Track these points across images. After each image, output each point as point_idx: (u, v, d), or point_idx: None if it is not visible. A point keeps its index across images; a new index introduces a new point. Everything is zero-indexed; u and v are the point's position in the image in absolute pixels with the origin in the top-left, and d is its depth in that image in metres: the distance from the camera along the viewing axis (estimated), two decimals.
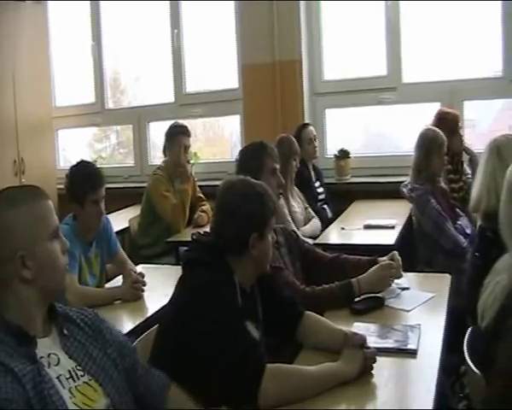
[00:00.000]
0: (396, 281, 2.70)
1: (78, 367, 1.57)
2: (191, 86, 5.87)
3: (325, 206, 4.72)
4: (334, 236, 3.96)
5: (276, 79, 5.12)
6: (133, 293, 2.95)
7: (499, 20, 4.69)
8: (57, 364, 1.53)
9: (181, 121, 4.90)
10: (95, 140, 6.76)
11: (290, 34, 5.07)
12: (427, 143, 3.81)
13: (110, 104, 6.41)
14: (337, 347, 2.00)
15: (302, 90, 5.15)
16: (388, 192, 4.53)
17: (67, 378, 1.53)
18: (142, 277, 3.03)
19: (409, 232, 3.93)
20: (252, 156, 2.86)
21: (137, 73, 6.33)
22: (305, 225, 4.26)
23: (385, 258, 2.71)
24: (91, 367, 1.59)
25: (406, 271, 2.84)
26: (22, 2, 6.01)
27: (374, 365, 1.93)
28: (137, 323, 2.71)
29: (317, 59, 5.27)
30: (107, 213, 5.21)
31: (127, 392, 1.66)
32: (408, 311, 2.45)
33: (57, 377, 1.50)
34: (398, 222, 4.02)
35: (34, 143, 5.97)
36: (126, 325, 2.73)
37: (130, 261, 3.39)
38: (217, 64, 5.81)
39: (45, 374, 1.47)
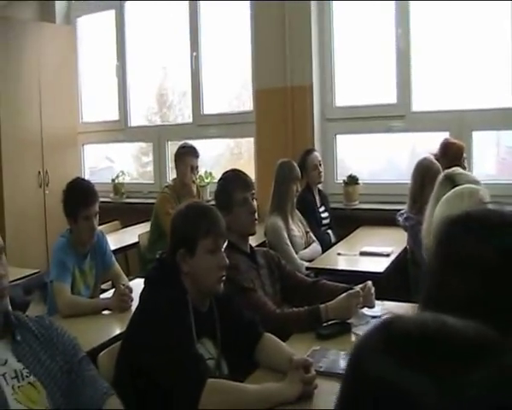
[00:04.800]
0: (369, 309, 2.76)
1: (26, 370, 1.74)
2: (209, 108, 6.04)
3: (329, 231, 4.77)
4: (328, 261, 4.00)
5: (287, 103, 5.22)
6: (120, 305, 3.09)
7: (509, 51, 4.68)
8: (4, 364, 1.71)
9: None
10: (142, 153, 6.93)
11: (302, 60, 5.17)
12: (421, 172, 3.84)
13: (156, 119, 6.65)
14: (287, 369, 2.08)
15: (312, 116, 5.23)
16: (394, 219, 4.54)
17: (12, 378, 1.70)
18: (130, 291, 3.16)
19: (404, 260, 3.96)
20: (220, 192, 2.89)
21: (184, 89, 6.37)
22: (305, 249, 4.33)
23: (359, 286, 2.77)
24: (38, 371, 1.76)
25: (383, 299, 2.89)
26: (52, 24, 6.34)
27: (320, 388, 2.00)
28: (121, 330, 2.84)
29: (328, 85, 5.35)
30: (126, 227, 5.49)
31: (71, 396, 1.79)
32: None
33: (2, 375, 1.69)
34: (396, 250, 4.05)
35: (59, 157, 6.25)
36: (112, 330, 2.90)
37: (124, 275, 3.54)
38: (234, 87, 5.98)
39: None
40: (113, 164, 6.99)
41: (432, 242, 1.73)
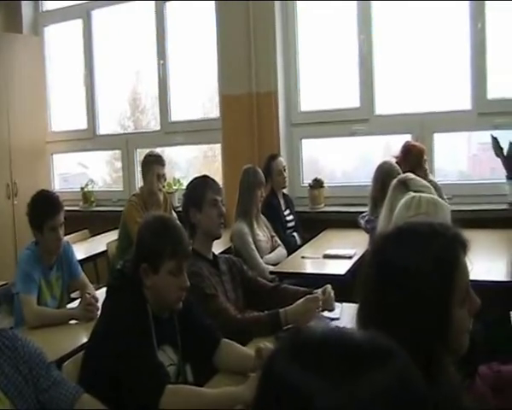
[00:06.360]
0: (329, 312, 2.84)
1: None
2: (176, 115, 6.09)
3: (295, 233, 4.85)
4: (292, 264, 4.07)
5: (253, 109, 5.31)
6: (86, 314, 3.13)
7: (468, 55, 4.83)
8: None
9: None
10: (115, 159, 6.87)
11: (267, 66, 5.26)
12: (382, 175, 3.93)
13: (130, 124, 6.68)
14: (247, 372, 2.15)
15: (278, 121, 5.31)
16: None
17: None
18: (96, 300, 3.19)
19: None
20: (193, 189, 3.01)
21: (157, 94, 6.26)
22: (270, 253, 4.41)
23: (319, 290, 2.85)
24: (2, 382, 1.81)
25: (345, 301, 2.96)
26: (20, 35, 6.33)
27: None
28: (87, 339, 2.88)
29: (293, 91, 5.45)
30: (95, 235, 5.50)
31: (36, 404, 1.85)
32: None
33: None
34: (359, 251, 4.12)
35: (27, 167, 6.22)
36: (79, 339, 2.90)
37: (90, 285, 3.57)
38: (202, 94, 6.05)
39: None
40: (87, 169, 6.98)
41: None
